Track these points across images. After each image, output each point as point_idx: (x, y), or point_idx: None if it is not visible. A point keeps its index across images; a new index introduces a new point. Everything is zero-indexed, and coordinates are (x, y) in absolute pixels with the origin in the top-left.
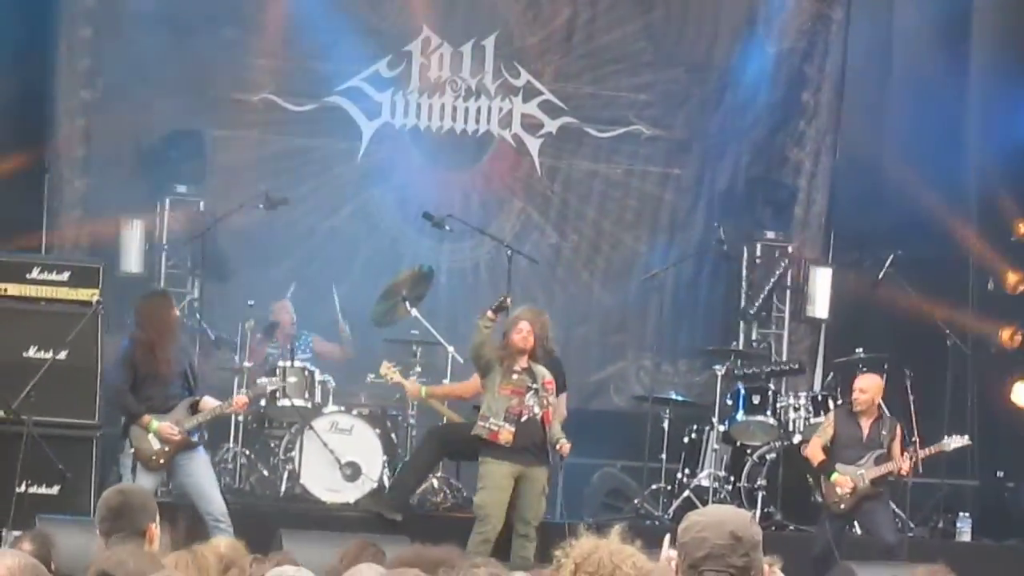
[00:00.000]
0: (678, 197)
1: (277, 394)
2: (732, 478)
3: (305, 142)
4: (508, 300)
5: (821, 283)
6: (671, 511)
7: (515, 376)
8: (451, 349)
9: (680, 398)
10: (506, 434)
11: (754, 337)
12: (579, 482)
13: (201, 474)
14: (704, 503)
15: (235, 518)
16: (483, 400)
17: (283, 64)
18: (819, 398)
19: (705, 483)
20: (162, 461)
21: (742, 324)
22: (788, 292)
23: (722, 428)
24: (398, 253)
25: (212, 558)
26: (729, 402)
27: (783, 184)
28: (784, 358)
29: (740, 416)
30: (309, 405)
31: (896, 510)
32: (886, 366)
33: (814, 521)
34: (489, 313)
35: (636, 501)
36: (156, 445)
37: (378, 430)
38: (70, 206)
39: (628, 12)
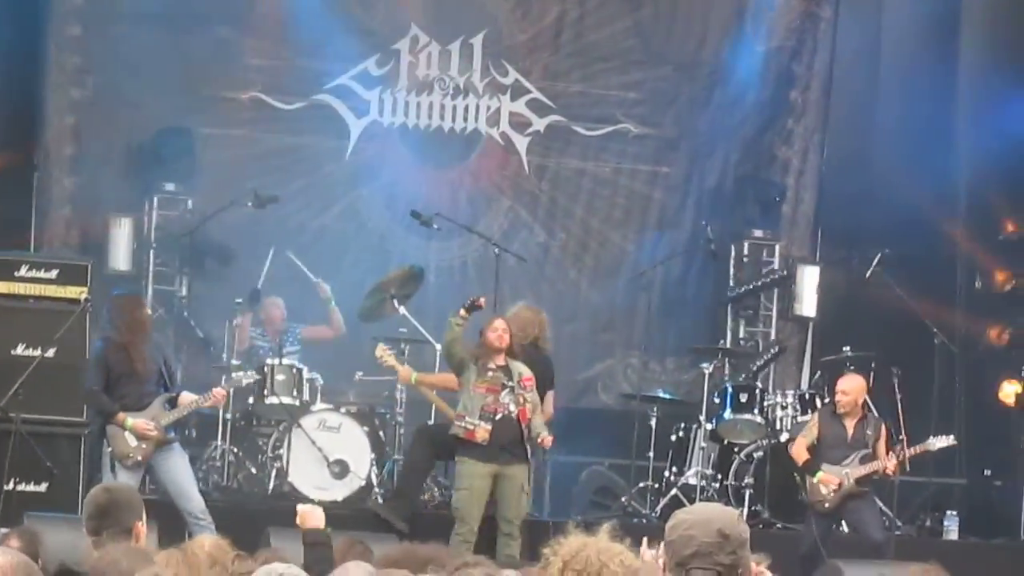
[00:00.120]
0: (666, 195)
1: (260, 387)
2: (719, 476)
3: (294, 140)
4: (482, 301)
5: (809, 281)
6: (659, 509)
7: (490, 374)
8: (438, 347)
9: (668, 396)
10: (483, 432)
11: (741, 335)
12: (567, 480)
13: (179, 471)
14: (691, 501)
15: (223, 516)
16: (459, 398)
17: (272, 62)
18: (806, 396)
19: (692, 481)
20: (140, 458)
21: (729, 322)
22: (776, 290)
23: (709, 426)
24: (386, 251)
25: (202, 556)
26: (716, 400)
27: (771, 182)
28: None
29: (727, 414)
30: (297, 403)
31: (883, 508)
32: (873, 364)
33: (801, 519)
34: (462, 311)
35: (624, 499)
36: (133, 443)
37: (366, 428)
38: (59, 204)
39: (617, 10)
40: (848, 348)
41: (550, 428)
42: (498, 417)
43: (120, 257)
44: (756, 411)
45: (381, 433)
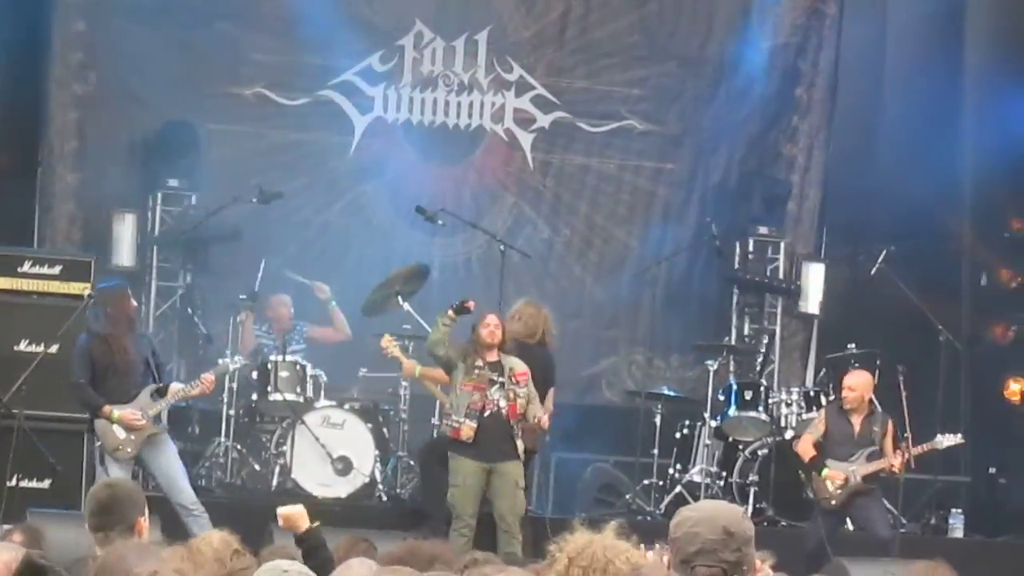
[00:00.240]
0: (671, 192)
1: (263, 384)
2: (724, 474)
3: (298, 136)
4: (471, 303)
5: (814, 278)
6: (663, 506)
7: (476, 372)
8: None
9: (672, 393)
10: (467, 430)
11: (746, 332)
12: (571, 477)
13: (170, 464)
14: (696, 499)
15: (226, 513)
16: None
17: (276, 58)
18: (811, 394)
19: (697, 479)
20: (130, 450)
21: (734, 319)
22: (780, 287)
23: (714, 423)
24: (390, 247)
25: (208, 552)
26: (721, 397)
27: (776, 179)
28: (776, 354)
29: (732, 411)
30: (301, 400)
31: (888, 506)
32: (878, 362)
33: (806, 517)
34: (450, 312)
35: (628, 496)
36: (121, 435)
37: (370, 425)
38: (62, 200)
39: (621, 6)
40: (853, 345)
41: (550, 425)
42: (487, 414)
43: (123, 253)
44: (761, 408)
45: (385, 430)
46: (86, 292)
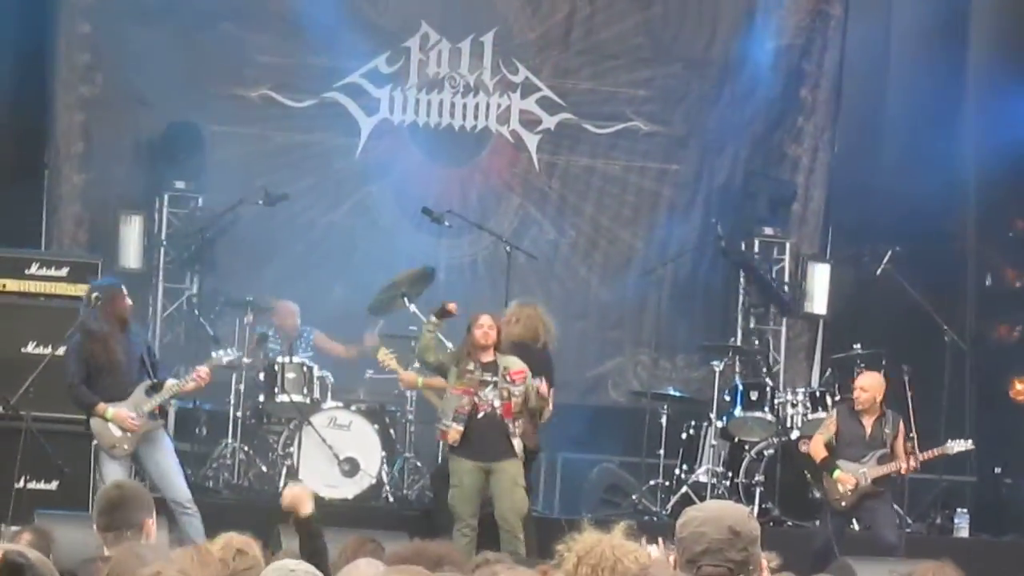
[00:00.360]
0: (676, 193)
1: (270, 385)
2: (730, 474)
3: (304, 138)
4: (452, 306)
5: (819, 279)
6: (669, 507)
7: (467, 376)
8: (449, 345)
9: (678, 394)
10: (453, 433)
11: (752, 333)
12: (577, 478)
13: (164, 462)
14: (702, 499)
15: (233, 514)
16: None
17: (282, 60)
18: (817, 394)
19: (703, 479)
20: (126, 447)
21: (740, 320)
22: (786, 288)
23: (720, 424)
24: (396, 248)
25: (217, 553)
26: (727, 398)
27: (781, 180)
28: (782, 354)
29: (738, 412)
30: (307, 401)
31: (894, 506)
32: (884, 362)
33: (812, 517)
34: (432, 318)
35: (634, 497)
36: (117, 432)
37: (377, 426)
38: (69, 201)
39: (626, 8)
40: (858, 346)
41: (548, 423)
42: (480, 415)
43: (130, 255)
44: (767, 409)
45: (391, 431)
46: (93, 294)
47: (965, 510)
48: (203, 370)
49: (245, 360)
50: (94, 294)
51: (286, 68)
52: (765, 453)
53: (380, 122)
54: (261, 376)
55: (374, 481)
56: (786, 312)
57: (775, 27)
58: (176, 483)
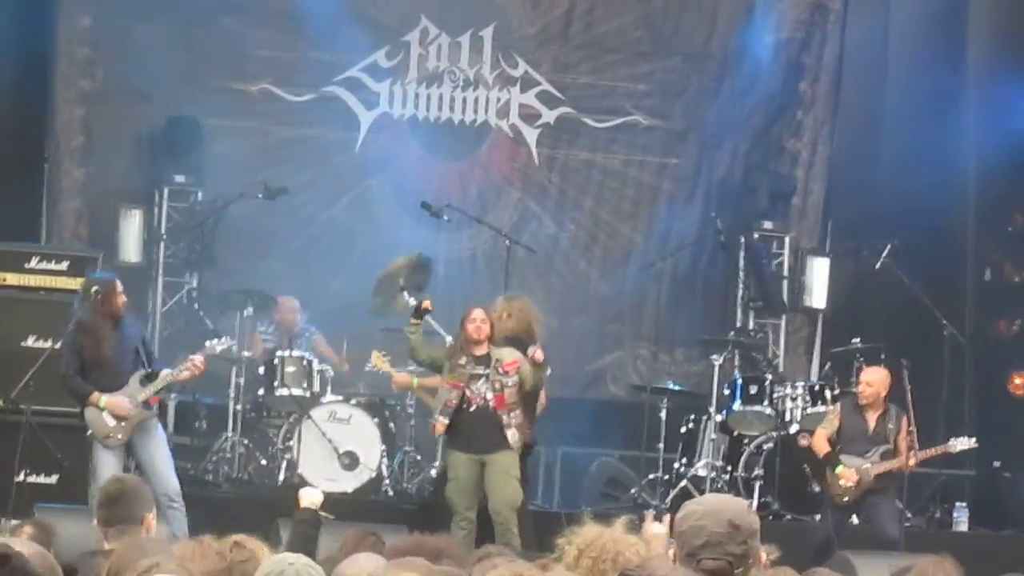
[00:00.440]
0: (675, 187)
1: (270, 379)
2: (729, 468)
3: (304, 132)
4: (427, 303)
5: (818, 273)
6: (668, 500)
7: (458, 370)
8: (449, 339)
9: (677, 387)
10: (439, 426)
11: (751, 327)
12: (577, 471)
13: (156, 453)
14: (701, 492)
15: (233, 507)
16: None
17: (282, 54)
18: (816, 388)
19: (702, 473)
20: (120, 436)
21: (739, 314)
22: (785, 282)
23: (719, 418)
24: (396, 243)
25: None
26: (726, 392)
27: (780, 174)
28: (781, 348)
29: (737, 406)
30: (307, 394)
31: (896, 502)
32: (883, 356)
33: (811, 511)
34: (412, 320)
35: (634, 491)
36: (111, 422)
37: (376, 419)
38: (69, 195)
39: (626, 2)
40: (858, 340)
41: (542, 416)
42: (472, 408)
43: (130, 249)
44: (766, 403)
45: (391, 425)
46: (93, 288)
47: (964, 504)
48: (197, 358)
49: (245, 354)
50: (93, 288)
51: (286, 62)
52: (764, 447)
53: (380, 116)
54: (261, 370)
55: (374, 475)
56: (780, 310)
57: (774, 21)
58: (166, 476)
